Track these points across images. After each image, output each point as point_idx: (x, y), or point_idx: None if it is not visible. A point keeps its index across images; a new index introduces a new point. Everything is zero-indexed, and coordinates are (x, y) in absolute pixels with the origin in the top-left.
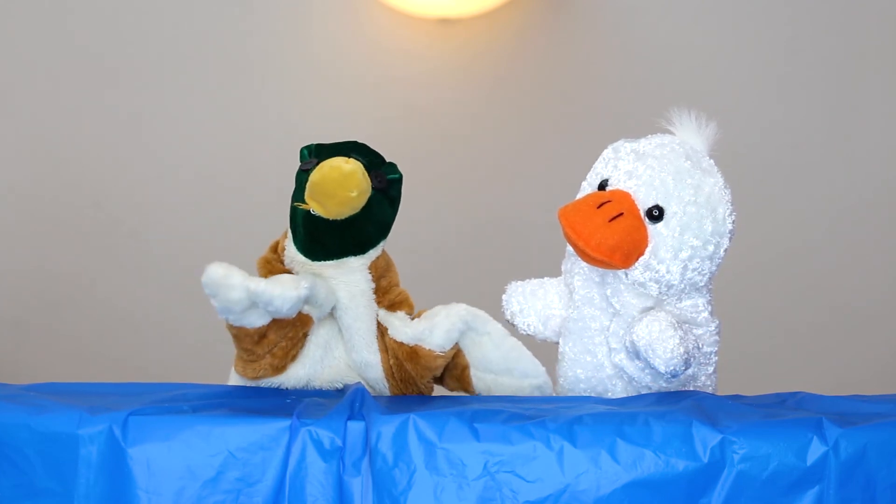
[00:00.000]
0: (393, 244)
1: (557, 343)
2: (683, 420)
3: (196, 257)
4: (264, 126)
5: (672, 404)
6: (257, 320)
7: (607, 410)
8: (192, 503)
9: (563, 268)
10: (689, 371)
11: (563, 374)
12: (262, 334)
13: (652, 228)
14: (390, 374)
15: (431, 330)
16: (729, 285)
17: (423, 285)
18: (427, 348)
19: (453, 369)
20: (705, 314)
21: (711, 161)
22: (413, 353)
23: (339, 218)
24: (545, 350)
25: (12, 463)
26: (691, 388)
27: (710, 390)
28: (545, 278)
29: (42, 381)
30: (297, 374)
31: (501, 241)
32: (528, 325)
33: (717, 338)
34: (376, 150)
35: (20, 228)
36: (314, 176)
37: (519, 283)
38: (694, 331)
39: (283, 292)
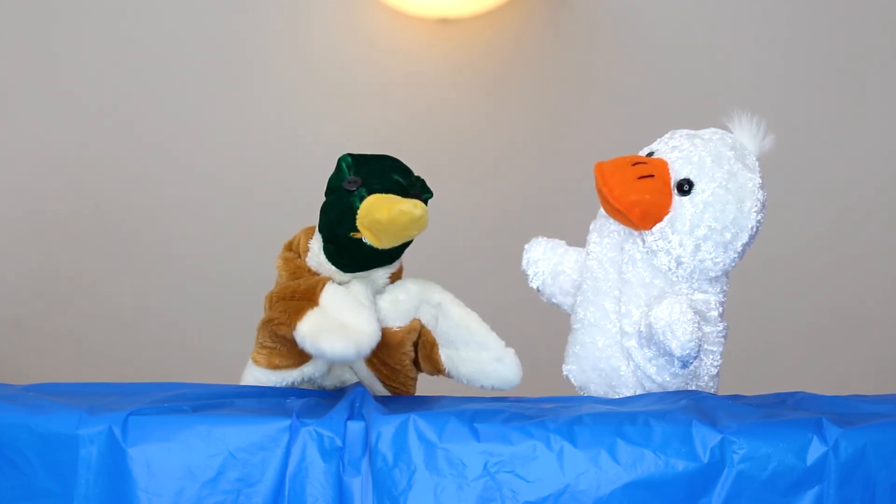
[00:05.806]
0: None
1: (560, 305)
2: (683, 420)
3: (196, 257)
4: (264, 126)
5: (672, 404)
6: None
7: (607, 410)
8: (192, 503)
9: (590, 227)
10: (694, 364)
11: (579, 340)
12: None
13: (677, 199)
14: (369, 360)
15: (379, 305)
16: (730, 285)
17: None
18: (383, 326)
19: (422, 349)
20: (715, 313)
21: (757, 163)
22: None
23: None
24: (546, 350)
25: (12, 463)
26: (693, 388)
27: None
28: (566, 244)
29: (42, 381)
30: (309, 369)
31: (501, 241)
32: (539, 274)
33: (722, 339)
34: (402, 161)
35: (20, 228)
36: (379, 214)
37: (543, 238)
38: (703, 327)
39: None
